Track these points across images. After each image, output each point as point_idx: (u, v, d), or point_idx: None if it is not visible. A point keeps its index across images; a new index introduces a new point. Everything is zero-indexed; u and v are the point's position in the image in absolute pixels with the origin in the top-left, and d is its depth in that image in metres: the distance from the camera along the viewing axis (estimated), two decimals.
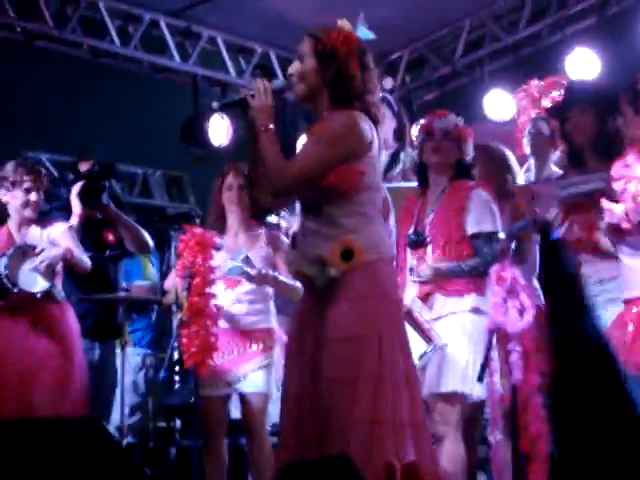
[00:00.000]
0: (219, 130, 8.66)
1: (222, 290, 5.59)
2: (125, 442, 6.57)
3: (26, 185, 5.74)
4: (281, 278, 5.61)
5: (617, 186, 4.14)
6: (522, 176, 6.02)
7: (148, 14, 8.37)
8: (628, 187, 4.08)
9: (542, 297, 5.30)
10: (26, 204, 5.75)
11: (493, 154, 5.63)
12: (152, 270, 7.63)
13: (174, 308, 5.81)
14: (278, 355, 5.57)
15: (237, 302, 5.64)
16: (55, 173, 9.01)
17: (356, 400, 3.70)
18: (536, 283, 5.36)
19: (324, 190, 3.88)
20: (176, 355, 6.42)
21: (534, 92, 6.34)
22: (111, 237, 6.35)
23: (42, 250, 5.61)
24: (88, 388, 5.70)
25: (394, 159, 5.87)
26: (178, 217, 9.69)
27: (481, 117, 8.26)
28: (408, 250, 5.19)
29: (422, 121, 5.34)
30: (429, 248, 5.16)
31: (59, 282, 5.74)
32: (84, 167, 6.27)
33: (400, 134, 5.93)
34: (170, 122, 8.79)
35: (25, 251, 5.64)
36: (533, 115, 6.23)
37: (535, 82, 6.39)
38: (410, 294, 5.08)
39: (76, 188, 6.11)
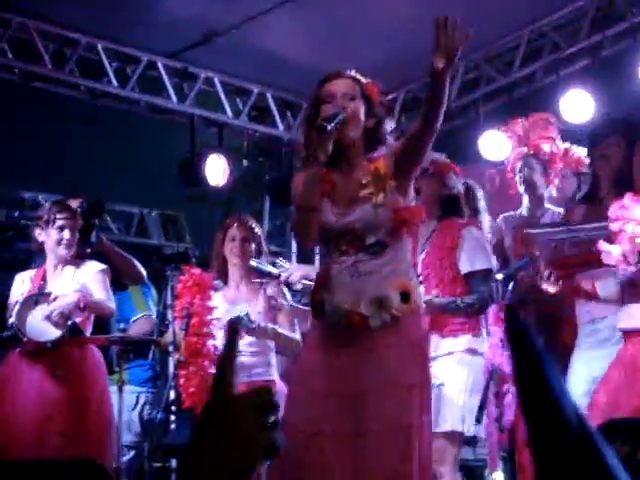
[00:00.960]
0: (216, 170, 8.69)
1: (223, 341, 5.59)
2: None
3: (59, 223, 5.72)
4: (281, 331, 5.60)
5: (614, 227, 4.17)
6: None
7: (146, 55, 8.43)
8: (625, 228, 4.11)
9: None
10: (59, 242, 5.73)
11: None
12: (146, 302, 7.62)
13: (171, 348, 5.80)
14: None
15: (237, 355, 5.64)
16: None
17: (410, 446, 3.73)
18: None
19: (393, 229, 3.90)
20: (173, 395, 6.39)
21: (519, 130, 6.38)
22: None
23: (55, 298, 5.60)
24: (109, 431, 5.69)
25: None
26: (174, 256, 9.67)
27: (477, 158, 8.30)
28: None
29: None
30: (421, 288, 5.18)
31: (88, 324, 5.74)
32: (73, 205, 6.29)
33: None
34: (167, 162, 8.83)
35: (38, 299, 5.62)
36: (522, 154, 6.27)
37: (520, 120, 6.43)
38: None
39: None
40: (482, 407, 4.54)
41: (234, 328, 3.50)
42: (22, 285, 5.85)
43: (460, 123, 8.95)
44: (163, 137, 9.24)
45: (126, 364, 6.39)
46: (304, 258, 9.49)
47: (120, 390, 6.23)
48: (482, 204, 5.57)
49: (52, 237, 5.73)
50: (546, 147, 6.18)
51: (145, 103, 8.68)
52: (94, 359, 5.74)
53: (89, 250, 6.26)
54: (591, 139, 5.07)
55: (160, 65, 8.54)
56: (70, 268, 5.78)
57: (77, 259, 5.85)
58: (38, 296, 5.65)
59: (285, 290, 5.75)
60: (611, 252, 4.12)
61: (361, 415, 3.75)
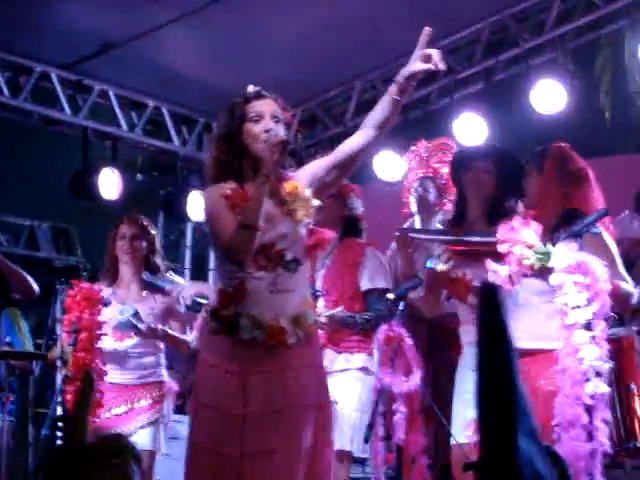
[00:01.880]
0: (109, 184, 8.59)
1: (111, 343, 5.53)
2: None
3: None
4: (170, 331, 5.57)
5: (502, 249, 4.23)
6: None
7: (39, 66, 8.30)
8: (513, 250, 4.18)
9: None
10: None
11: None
12: (25, 328, 7.47)
13: (59, 363, 5.70)
14: (168, 409, 5.52)
15: (125, 356, 5.59)
16: None
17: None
18: None
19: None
20: (59, 411, 6.27)
21: (422, 153, 6.45)
22: None
23: None
24: None
25: None
26: (65, 270, 9.57)
27: (372, 178, 8.37)
28: None
29: None
30: (320, 301, 5.21)
31: None
32: None
33: None
34: (59, 175, 8.70)
35: None
36: (420, 175, 6.33)
37: (423, 143, 6.50)
38: None
39: None
40: (371, 426, 4.56)
41: (88, 376, 3.46)
42: None
43: None
44: (56, 149, 9.12)
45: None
46: (198, 274, 9.45)
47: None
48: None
49: None
50: (444, 171, 6.26)
51: (38, 114, 8.55)
52: None
53: None
54: (458, 162, 5.13)
55: (54, 76, 8.41)
56: None
57: None
58: None
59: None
60: (498, 271, 4.18)
61: (274, 435, 3.73)
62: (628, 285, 4.49)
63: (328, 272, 5.30)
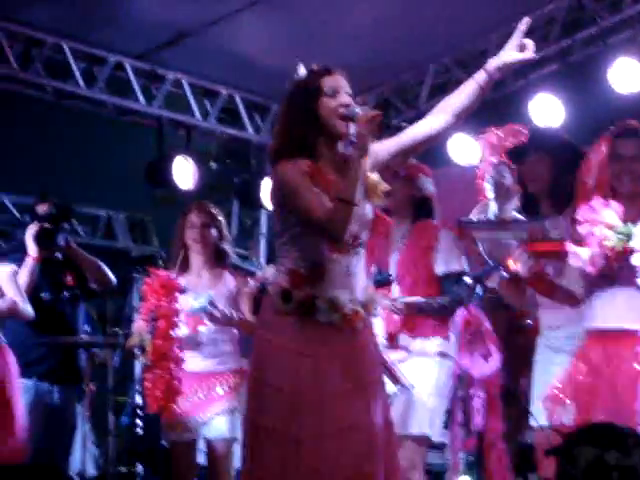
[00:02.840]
0: (184, 173, 8.64)
1: (186, 331, 5.54)
2: None
3: None
4: (246, 318, 5.56)
5: (582, 230, 4.14)
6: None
7: (113, 56, 8.35)
8: (594, 231, 4.08)
9: None
10: None
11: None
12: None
13: (137, 351, 5.73)
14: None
15: (201, 343, 5.59)
16: (17, 215, 8.97)
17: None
18: None
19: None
20: (139, 399, 6.33)
21: (493, 140, 6.37)
22: (69, 279, 6.30)
23: None
24: (27, 432, 5.54)
25: None
26: (141, 260, 9.63)
27: (446, 161, 8.29)
28: None
29: None
30: (395, 287, 5.16)
31: None
32: (42, 209, 6.25)
33: None
34: (134, 164, 8.76)
35: None
36: (494, 161, 6.26)
37: (494, 130, 6.42)
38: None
39: (31, 230, 6.06)
40: (450, 412, 4.52)
41: None
42: None
43: None
44: (130, 139, 9.17)
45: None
46: (273, 261, 9.46)
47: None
48: None
49: None
50: None
51: (112, 105, 8.61)
52: (10, 361, 5.63)
53: (59, 256, 6.22)
54: (515, 162, 5.06)
55: (128, 66, 8.47)
56: None
57: None
58: None
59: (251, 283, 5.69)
60: (579, 254, 4.09)
61: (354, 411, 3.71)
62: None
63: (402, 256, 5.24)
